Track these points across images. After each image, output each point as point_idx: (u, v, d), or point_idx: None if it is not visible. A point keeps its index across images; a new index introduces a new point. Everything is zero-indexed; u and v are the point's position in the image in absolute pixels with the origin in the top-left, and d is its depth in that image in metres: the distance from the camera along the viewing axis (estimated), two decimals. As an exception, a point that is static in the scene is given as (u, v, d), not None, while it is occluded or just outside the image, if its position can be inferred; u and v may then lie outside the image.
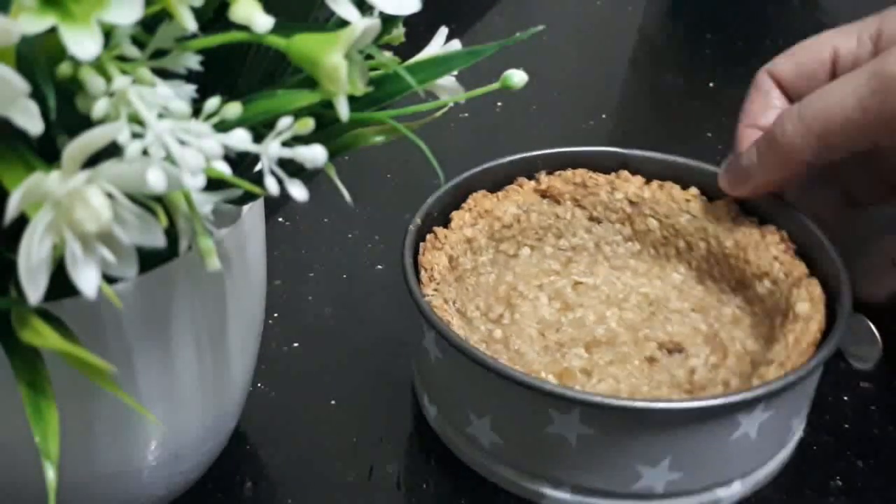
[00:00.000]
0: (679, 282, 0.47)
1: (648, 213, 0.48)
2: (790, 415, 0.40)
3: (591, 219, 0.49)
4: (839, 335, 0.39)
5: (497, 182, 0.49)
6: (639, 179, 0.48)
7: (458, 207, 0.47)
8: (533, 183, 0.49)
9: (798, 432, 0.42)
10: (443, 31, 0.34)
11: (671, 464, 0.38)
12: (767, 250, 0.44)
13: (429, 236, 0.45)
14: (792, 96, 0.45)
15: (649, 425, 0.37)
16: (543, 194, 0.49)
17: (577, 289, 0.47)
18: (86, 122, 0.24)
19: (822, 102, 0.41)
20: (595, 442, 0.38)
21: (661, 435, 0.37)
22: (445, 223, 0.47)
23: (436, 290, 0.43)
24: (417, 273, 0.43)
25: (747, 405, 0.37)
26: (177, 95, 0.25)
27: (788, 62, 0.45)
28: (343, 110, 0.26)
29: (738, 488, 0.40)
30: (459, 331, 0.40)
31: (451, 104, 0.34)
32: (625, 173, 0.49)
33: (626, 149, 0.49)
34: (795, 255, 0.44)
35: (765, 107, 0.45)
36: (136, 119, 0.24)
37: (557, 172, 0.49)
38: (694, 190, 0.47)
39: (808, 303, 0.41)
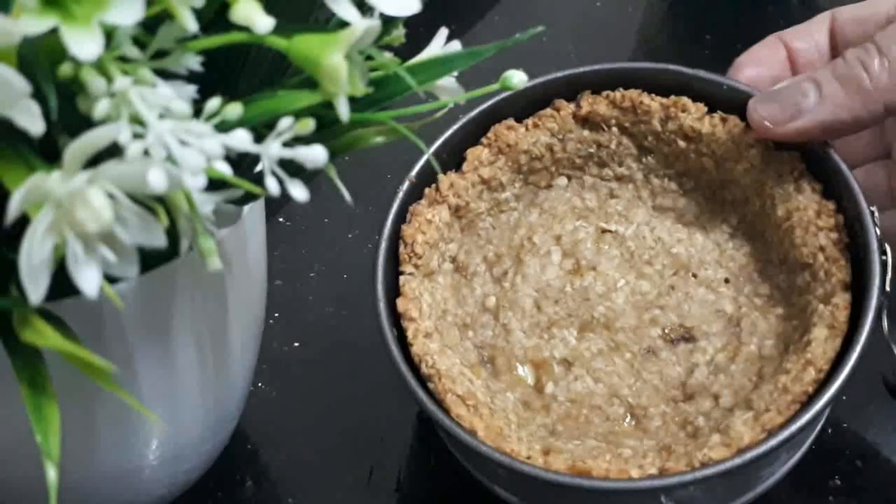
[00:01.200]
0: (726, 237, 0.41)
1: (705, 153, 0.41)
2: (751, 471, 0.37)
3: (642, 148, 0.42)
4: (815, 410, 0.35)
5: (530, 106, 0.42)
6: (699, 108, 0.41)
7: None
8: (572, 107, 0.42)
9: (776, 471, 0.39)
10: (443, 32, 0.34)
11: None
12: (816, 236, 0.38)
13: (427, 191, 0.41)
14: (839, 42, 0.42)
15: (556, 491, 0.36)
16: (584, 121, 0.42)
17: (600, 241, 0.42)
18: (87, 123, 0.24)
19: None
20: (523, 482, 0.37)
21: (581, 496, 0.37)
22: (459, 165, 0.42)
23: (417, 265, 0.39)
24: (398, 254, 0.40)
25: (665, 490, 0.35)
26: (178, 96, 0.25)
27: (849, 11, 0.42)
28: (343, 111, 0.26)
29: None
30: (427, 329, 0.39)
31: (451, 105, 0.34)
32: (683, 100, 0.41)
33: (691, 69, 0.42)
34: (844, 250, 0.38)
35: (808, 31, 0.40)
36: (136, 119, 0.24)
37: (605, 93, 0.42)
38: None
39: (826, 330, 0.36)
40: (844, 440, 0.44)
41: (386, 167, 0.62)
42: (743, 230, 0.42)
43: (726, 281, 0.41)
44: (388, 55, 0.31)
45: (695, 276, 0.41)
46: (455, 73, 0.32)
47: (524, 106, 0.42)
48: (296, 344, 0.49)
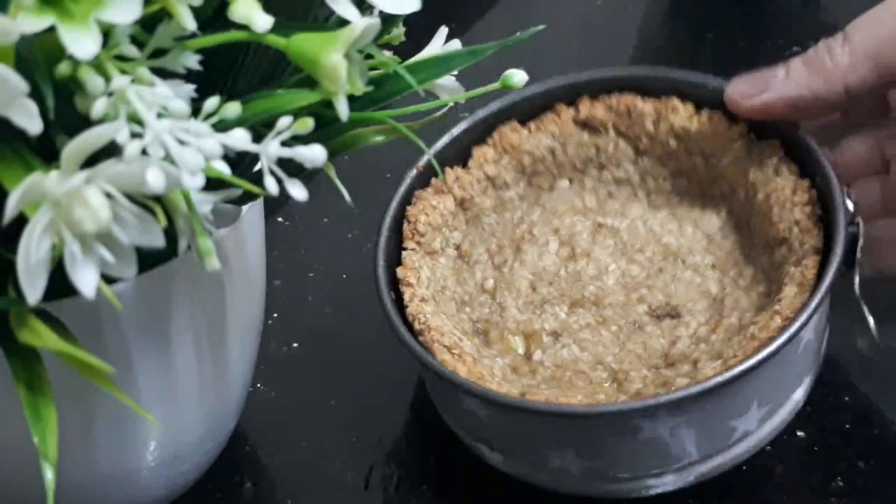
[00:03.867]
0: (715, 228, 0.44)
1: (694, 151, 0.44)
2: (722, 416, 0.38)
3: (637, 151, 0.45)
4: (780, 342, 0.37)
5: (532, 111, 0.45)
6: (688, 108, 0.44)
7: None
8: (571, 111, 0.45)
9: (752, 427, 0.40)
10: (443, 31, 0.34)
11: (577, 454, 0.38)
12: (792, 212, 0.41)
13: (434, 181, 0.43)
14: None
15: (539, 420, 0.37)
16: (583, 124, 0.45)
17: (595, 233, 0.44)
18: (85, 122, 0.24)
19: (878, 23, 0.40)
20: (501, 422, 0.38)
21: (555, 429, 0.38)
22: (465, 162, 0.44)
23: (419, 242, 0.42)
24: (400, 237, 0.42)
25: (638, 413, 0.36)
26: (176, 95, 0.25)
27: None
28: (343, 110, 0.26)
29: (671, 479, 0.39)
30: (424, 295, 0.41)
31: (451, 104, 0.34)
32: (673, 101, 0.44)
33: (679, 71, 0.45)
34: (818, 222, 0.40)
35: None
36: (135, 119, 0.24)
37: (601, 97, 0.45)
38: (742, 127, 0.43)
39: (796, 287, 0.39)
40: (846, 440, 0.44)
41: (386, 167, 0.62)
42: (731, 222, 0.44)
43: (713, 266, 0.43)
44: (387, 54, 0.31)
45: (683, 261, 0.43)
46: (455, 72, 0.32)
47: (527, 110, 0.45)
48: (295, 344, 0.49)
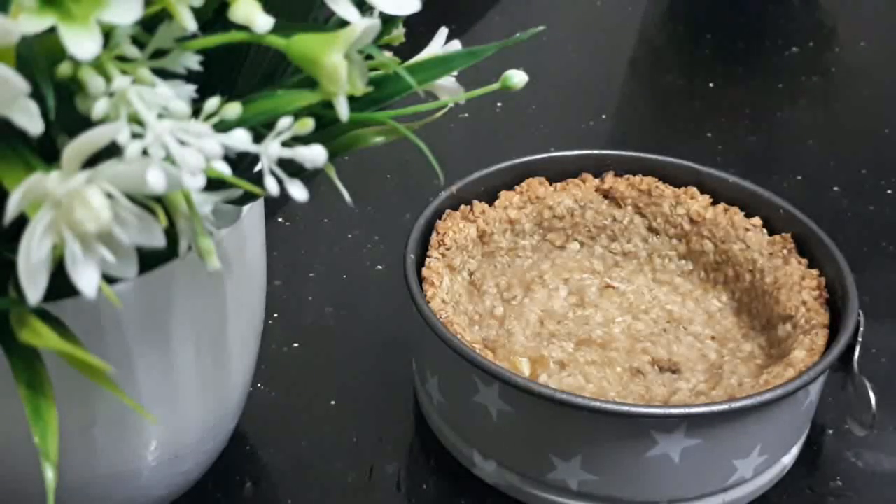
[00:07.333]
0: (715, 309, 0.46)
1: (706, 235, 0.47)
2: (728, 452, 0.38)
3: (650, 229, 0.48)
4: (796, 384, 0.37)
5: (560, 173, 0.49)
6: (705, 199, 0.48)
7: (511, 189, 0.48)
8: (597, 181, 0.49)
9: (748, 474, 0.40)
10: (443, 32, 0.34)
11: (583, 463, 0.38)
12: (799, 294, 0.43)
13: (463, 207, 0.46)
14: None
15: (558, 416, 0.37)
16: (605, 194, 0.49)
17: (603, 291, 0.47)
18: (85, 122, 0.24)
19: None
20: (513, 420, 0.39)
21: (571, 429, 0.38)
22: (491, 202, 0.48)
23: (443, 254, 0.44)
24: (427, 247, 0.44)
25: (661, 423, 0.37)
26: (177, 95, 0.25)
27: None
28: (343, 110, 0.26)
29: None
30: (444, 298, 0.42)
31: (451, 104, 0.34)
32: (692, 190, 0.48)
33: (702, 166, 0.48)
34: (825, 304, 0.43)
35: None
36: (135, 119, 0.24)
37: (626, 176, 0.49)
38: (757, 220, 0.46)
39: (805, 352, 0.40)
40: (844, 440, 0.44)
41: (386, 167, 0.62)
42: (732, 306, 0.46)
43: (713, 338, 0.45)
44: (387, 54, 0.31)
45: (685, 328, 0.45)
46: (455, 73, 0.32)
47: (557, 172, 0.49)
48: (295, 344, 0.49)
